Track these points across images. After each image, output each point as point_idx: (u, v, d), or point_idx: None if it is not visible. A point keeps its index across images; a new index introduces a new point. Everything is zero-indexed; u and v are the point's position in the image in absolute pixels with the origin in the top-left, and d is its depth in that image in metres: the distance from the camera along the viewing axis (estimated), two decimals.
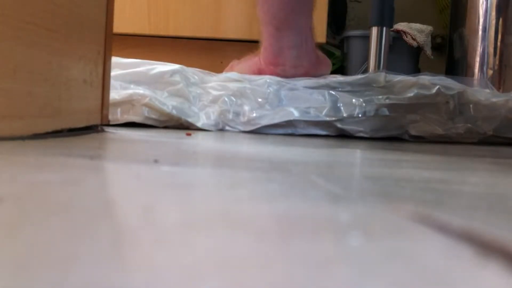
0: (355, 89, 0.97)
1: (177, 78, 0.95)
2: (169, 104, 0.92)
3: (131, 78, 0.94)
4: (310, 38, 1.06)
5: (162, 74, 0.95)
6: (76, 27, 0.63)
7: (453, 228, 0.22)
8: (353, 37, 1.60)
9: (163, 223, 0.22)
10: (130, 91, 0.90)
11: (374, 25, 1.38)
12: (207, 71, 1.04)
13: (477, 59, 1.54)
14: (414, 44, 1.56)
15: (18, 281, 0.14)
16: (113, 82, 0.84)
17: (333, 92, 0.96)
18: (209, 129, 0.93)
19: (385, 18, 1.38)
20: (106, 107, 0.72)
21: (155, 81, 0.94)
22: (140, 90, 0.91)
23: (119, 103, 0.89)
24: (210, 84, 0.97)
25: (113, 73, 0.83)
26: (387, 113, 0.95)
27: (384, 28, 1.38)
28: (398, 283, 0.15)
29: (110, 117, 0.74)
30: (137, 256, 0.17)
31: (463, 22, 1.58)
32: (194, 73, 0.99)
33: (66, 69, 0.60)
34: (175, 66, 0.98)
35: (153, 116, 0.91)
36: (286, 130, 0.94)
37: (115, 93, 0.87)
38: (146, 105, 0.90)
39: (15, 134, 0.51)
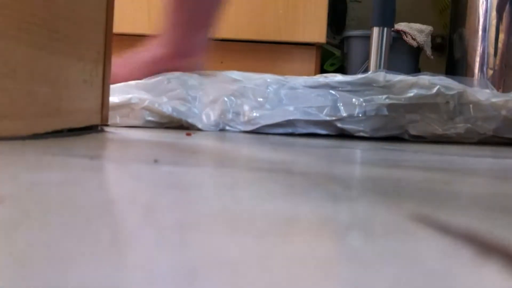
0: (355, 89, 0.97)
1: (174, 84, 0.95)
2: (168, 106, 0.91)
3: (129, 87, 0.94)
4: None
5: (160, 81, 0.95)
6: (76, 27, 0.63)
7: (453, 228, 0.22)
8: (353, 37, 1.60)
9: (163, 223, 0.22)
10: (129, 95, 0.90)
11: (376, 25, 1.38)
12: (205, 71, 1.03)
13: (477, 59, 1.54)
14: (414, 44, 1.56)
15: (18, 281, 0.14)
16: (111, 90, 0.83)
17: (333, 92, 0.96)
18: (210, 129, 0.93)
19: (387, 18, 1.38)
20: (106, 107, 0.72)
21: (154, 88, 0.94)
22: (139, 94, 0.91)
23: (118, 107, 0.88)
24: (209, 85, 0.97)
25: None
26: (386, 112, 0.95)
27: (386, 28, 1.38)
28: (398, 283, 0.15)
29: (109, 122, 0.74)
30: (137, 256, 0.17)
31: (463, 22, 1.58)
32: (192, 77, 0.98)
33: (66, 69, 0.60)
34: (173, 74, 0.98)
35: (153, 119, 0.91)
36: (286, 129, 0.94)
37: (115, 98, 0.87)
38: (145, 108, 0.90)
39: (15, 134, 0.51)
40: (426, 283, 0.15)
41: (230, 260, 0.17)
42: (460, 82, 1.00)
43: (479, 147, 0.89)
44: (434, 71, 1.10)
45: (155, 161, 0.42)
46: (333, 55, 1.69)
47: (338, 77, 1.00)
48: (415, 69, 1.58)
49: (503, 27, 1.51)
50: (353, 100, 0.95)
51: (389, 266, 0.17)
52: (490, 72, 1.52)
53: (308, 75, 1.20)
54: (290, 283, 0.15)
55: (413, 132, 0.96)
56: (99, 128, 0.71)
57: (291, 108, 0.94)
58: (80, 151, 0.50)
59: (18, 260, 0.15)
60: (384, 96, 0.96)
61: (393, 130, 0.96)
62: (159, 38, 1.06)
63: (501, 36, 1.51)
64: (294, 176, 0.39)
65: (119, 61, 1.04)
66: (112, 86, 0.76)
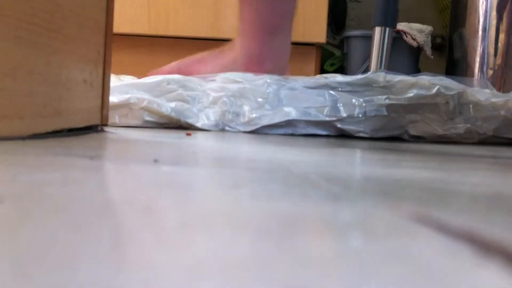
0: (355, 89, 0.97)
1: (174, 85, 0.95)
2: (167, 106, 0.91)
3: (128, 88, 0.94)
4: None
5: (159, 82, 0.95)
6: (76, 27, 0.63)
7: (453, 228, 0.22)
8: (353, 37, 1.60)
9: (163, 223, 0.22)
10: (127, 95, 0.90)
11: (377, 25, 1.38)
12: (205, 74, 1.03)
13: (477, 59, 1.54)
14: (414, 44, 1.56)
15: (18, 281, 0.14)
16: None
17: (333, 92, 0.96)
18: (210, 129, 0.93)
19: (389, 19, 1.37)
20: (106, 107, 0.72)
21: (153, 89, 0.94)
22: (138, 94, 0.91)
23: (117, 107, 0.88)
24: (209, 86, 0.97)
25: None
26: (386, 113, 0.95)
27: (387, 29, 1.38)
28: (398, 283, 0.15)
29: (108, 121, 0.74)
30: (137, 256, 0.17)
31: (463, 22, 1.58)
32: (191, 81, 0.98)
33: (66, 69, 0.60)
34: (173, 76, 0.98)
35: (152, 119, 0.91)
36: (286, 130, 0.94)
37: (114, 97, 0.87)
38: (144, 108, 0.90)
39: (15, 134, 0.51)
40: (426, 283, 0.15)
41: (230, 260, 0.17)
42: (460, 82, 1.00)
43: (479, 147, 0.89)
44: (434, 71, 1.11)
45: (155, 161, 0.42)
46: (333, 55, 1.69)
47: (338, 78, 1.00)
48: (415, 69, 1.58)
49: (503, 27, 1.51)
50: (353, 100, 0.95)
51: (389, 266, 0.17)
52: (490, 72, 1.52)
53: (308, 75, 1.20)
54: (290, 283, 0.15)
55: (413, 132, 0.96)
56: (99, 128, 0.71)
57: (291, 109, 0.94)
58: (80, 151, 0.50)
59: (18, 260, 0.15)
60: (384, 97, 0.96)
61: (393, 131, 0.96)
62: (236, 42, 1.05)
63: (501, 36, 1.51)
64: (294, 176, 0.39)
65: (197, 58, 1.04)
66: (111, 86, 0.76)
